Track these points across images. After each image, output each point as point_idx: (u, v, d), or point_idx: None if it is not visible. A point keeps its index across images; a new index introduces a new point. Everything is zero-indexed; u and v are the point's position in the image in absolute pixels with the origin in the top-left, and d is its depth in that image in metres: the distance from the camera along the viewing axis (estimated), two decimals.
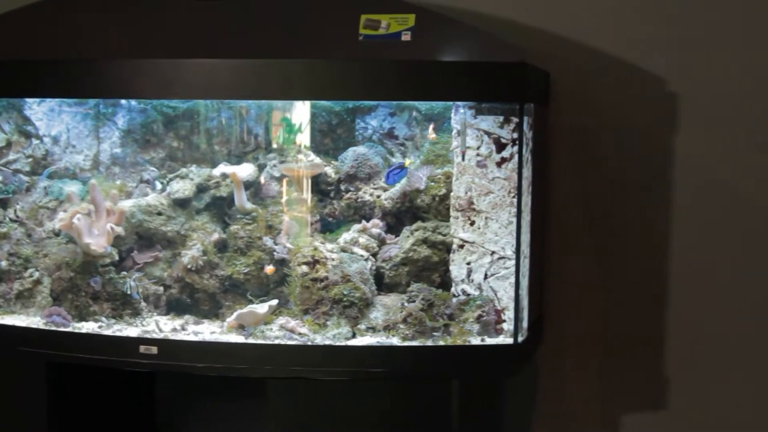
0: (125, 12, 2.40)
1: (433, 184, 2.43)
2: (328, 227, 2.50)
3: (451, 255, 2.37)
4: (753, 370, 2.59)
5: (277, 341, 2.31)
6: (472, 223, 2.34)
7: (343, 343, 2.31)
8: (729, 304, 2.58)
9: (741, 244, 2.57)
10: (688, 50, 2.56)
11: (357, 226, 2.48)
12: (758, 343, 2.58)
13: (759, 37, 2.52)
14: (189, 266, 2.46)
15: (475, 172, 2.32)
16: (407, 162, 2.44)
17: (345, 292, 2.35)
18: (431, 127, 2.44)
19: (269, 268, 2.40)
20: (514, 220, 2.30)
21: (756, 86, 2.52)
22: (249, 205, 2.48)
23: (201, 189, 2.53)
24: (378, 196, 2.48)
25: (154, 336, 2.35)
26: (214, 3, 2.38)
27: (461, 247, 2.36)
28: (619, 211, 2.63)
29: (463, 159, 2.33)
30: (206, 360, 2.29)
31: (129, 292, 2.41)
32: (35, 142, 2.54)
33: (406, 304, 2.34)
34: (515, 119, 2.28)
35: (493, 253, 2.33)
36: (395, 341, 2.31)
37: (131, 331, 2.37)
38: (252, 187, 2.51)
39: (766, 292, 2.57)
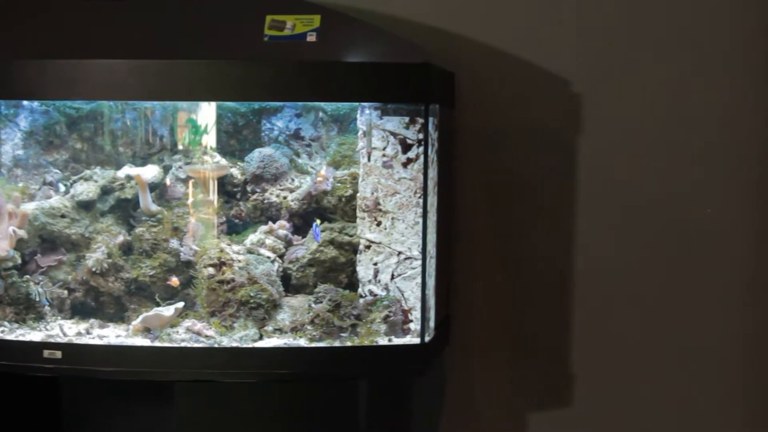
0: (26, 12, 2.36)
1: (339, 185, 2.43)
2: (234, 229, 2.48)
3: (357, 256, 2.38)
4: (654, 367, 2.63)
5: (183, 344, 2.30)
6: (379, 224, 2.35)
7: (250, 345, 2.30)
8: (632, 302, 2.63)
9: (643, 243, 2.61)
10: (591, 51, 2.59)
11: (263, 228, 2.47)
12: (660, 340, 2.62)
13: (661, 38, 2.56)
14: (94, 269, 2.43)
15: (381, 173, 2.33)
16: (318, 221, 2.43)
17: (252, 294, 2.34)
18: (321, 171, 2.44)
19: (174, 280, 2.38)
20: (420, 220, 2.31)
21: (658, 87, 2.57)
22: (154, 207, 2.46)
23: (105, 191, 2.50)
24: (284, 198, 2.47)
25: (58, 340, 2.31)
26: (119, 3, 2.35)
27: (368, 247, 2.36)
28: (524, 211, 2.66)
29: (369, 160, 2.34)
30: (112, 364, 2.27)
31: (38, 299, 2.37)
32: None
33: (313, 305, 2.34)
34: (421, 120, 2.29)
35: (399, 253, 2.34)
36: (302, 342, 2.31)
37: (35, 335, 2.34)
38: (157, 188, 2.49)
39: (667, 291, 2.61)
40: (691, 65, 2.56)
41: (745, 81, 2.53)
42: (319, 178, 2.41)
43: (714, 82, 2.55)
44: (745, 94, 2.53)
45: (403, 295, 2.34)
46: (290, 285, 2.43)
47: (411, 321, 2.34)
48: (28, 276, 2.42)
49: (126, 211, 2.50)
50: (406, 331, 2.33)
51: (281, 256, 2.45)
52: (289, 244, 2.46)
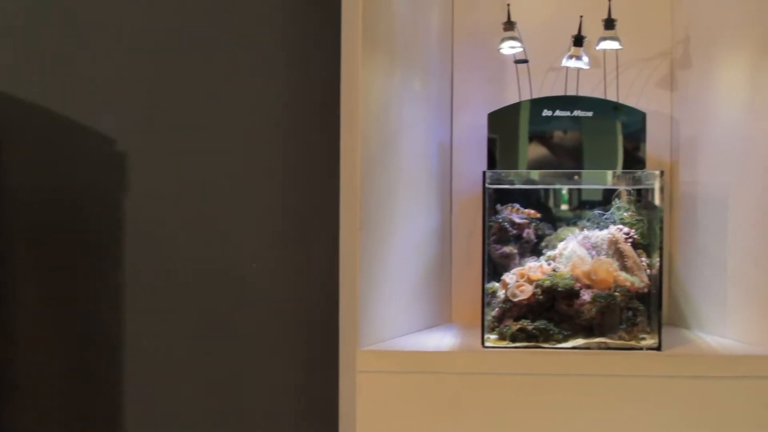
0: None
1: None
2: None
3: None
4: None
5: None
6: None
7: None
8: (190, 354, 2.66)
9: (191, 297, 2.65)
10: (136, 110, 2.61)
11: None
12: (213, 401, 2.67)
13: (203, 94, 2.63)
14: None
15: None
16: None
17: None
18: None
19: None
20: None
21: (197, 144, 2.63)
22: None
23: None
24: None
25: None
26: None
27: None
28: (71, 271, 2.62)
29: None
30: None
31: None
32: None
33: None
34: None
35: None
36: None
37: None
38: None
39: (216, 342, 2.66)
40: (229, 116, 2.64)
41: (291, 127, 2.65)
42: None
43: (263, 138, 2.65)
44: (285, 142, 2.65)
45: None
46: None
47: None
48: None
49: None
50: None
51: None
52: None
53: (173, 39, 2.65)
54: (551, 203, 2.46)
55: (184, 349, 2.66)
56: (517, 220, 2.39)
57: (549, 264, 2.32)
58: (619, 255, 2.29)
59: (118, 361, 2.66)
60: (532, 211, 2.41)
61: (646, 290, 2.25)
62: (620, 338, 2.24)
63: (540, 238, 2.42)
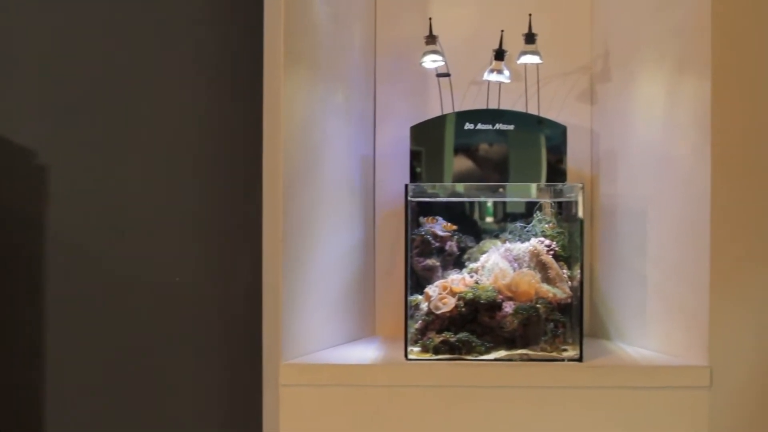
0: None
1: None
2: None
3: None
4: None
5: None
6: None
7: None
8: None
9: (122, 314, 2.62)
10: (53, 122, 2.57)
11: None
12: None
13: (135, 111, 2.61)
14: None
15: None
16: None
17: None
18: None
19: None
20: None
21: (114, 157, 2.60)
22: None
23: None
24: None
25: None
26: None
27: None
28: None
29: None
30: None
31: None
32: None
33: None
34: None
35: None
36: None
37: None
38: None
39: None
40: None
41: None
42: None
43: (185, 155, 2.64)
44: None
45: None
46: None
47: None
48: None
49: None
50: None
51: None
52: None
53: (93, 52, 2.63)
54: (475, 216, 2.47)
55: (106, 361, 2.63)
56: (440, 233, 2.40)
57: (471, 276, 2.33)
58: (541, 267, 2.30)
59: (38, 373, 2.61)
60: (448, 224, 2.42)
61: (567, 302, 2.27)
62: (542, 350, 2.25)
63: (462, 250, 2.43)
